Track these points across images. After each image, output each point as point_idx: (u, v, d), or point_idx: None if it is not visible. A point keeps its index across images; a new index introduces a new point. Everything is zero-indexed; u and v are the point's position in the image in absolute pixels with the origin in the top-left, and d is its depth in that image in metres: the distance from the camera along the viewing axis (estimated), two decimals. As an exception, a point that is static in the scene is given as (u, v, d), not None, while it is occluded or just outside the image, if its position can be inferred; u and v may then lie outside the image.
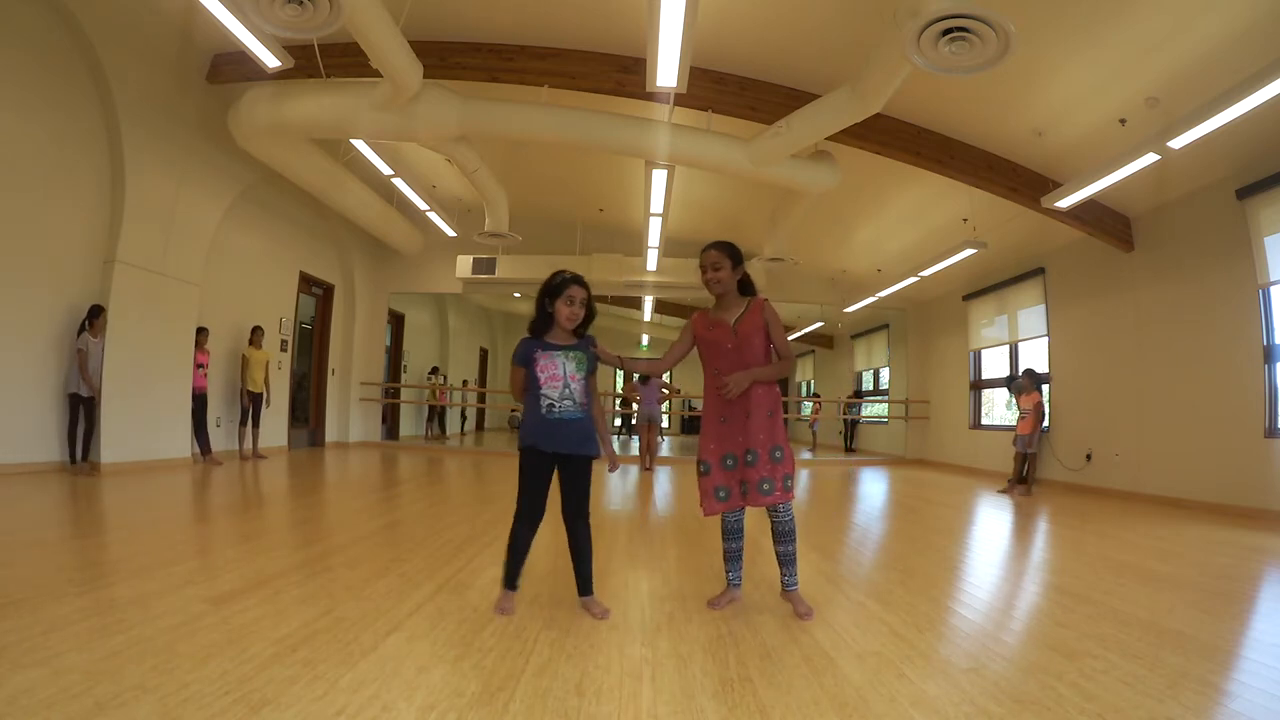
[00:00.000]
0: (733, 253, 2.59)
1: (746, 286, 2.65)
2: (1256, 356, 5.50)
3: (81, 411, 5.68)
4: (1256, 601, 2.99)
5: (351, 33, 4.43)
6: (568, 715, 1.62)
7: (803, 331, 16.09)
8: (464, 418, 16.36)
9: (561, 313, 2.43)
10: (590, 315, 2.51)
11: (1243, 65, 4.28)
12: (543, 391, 2.39)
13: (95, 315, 5.74)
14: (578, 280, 2.46)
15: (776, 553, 2.55)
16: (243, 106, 6.00)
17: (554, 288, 2.44)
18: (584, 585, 2.48)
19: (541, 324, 2.47)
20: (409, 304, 13.34)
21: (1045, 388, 7.38)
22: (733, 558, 2.62)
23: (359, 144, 7.11)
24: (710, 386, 2.60)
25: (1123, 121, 5.36)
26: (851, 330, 15.47)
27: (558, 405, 2.39)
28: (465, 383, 15.93)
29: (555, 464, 2.43)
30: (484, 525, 4.10)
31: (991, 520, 5.33)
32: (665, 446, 13.68)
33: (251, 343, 7.75)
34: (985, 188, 6.37)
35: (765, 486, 2.46)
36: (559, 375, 2.41)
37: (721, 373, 2.53)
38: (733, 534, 2.61)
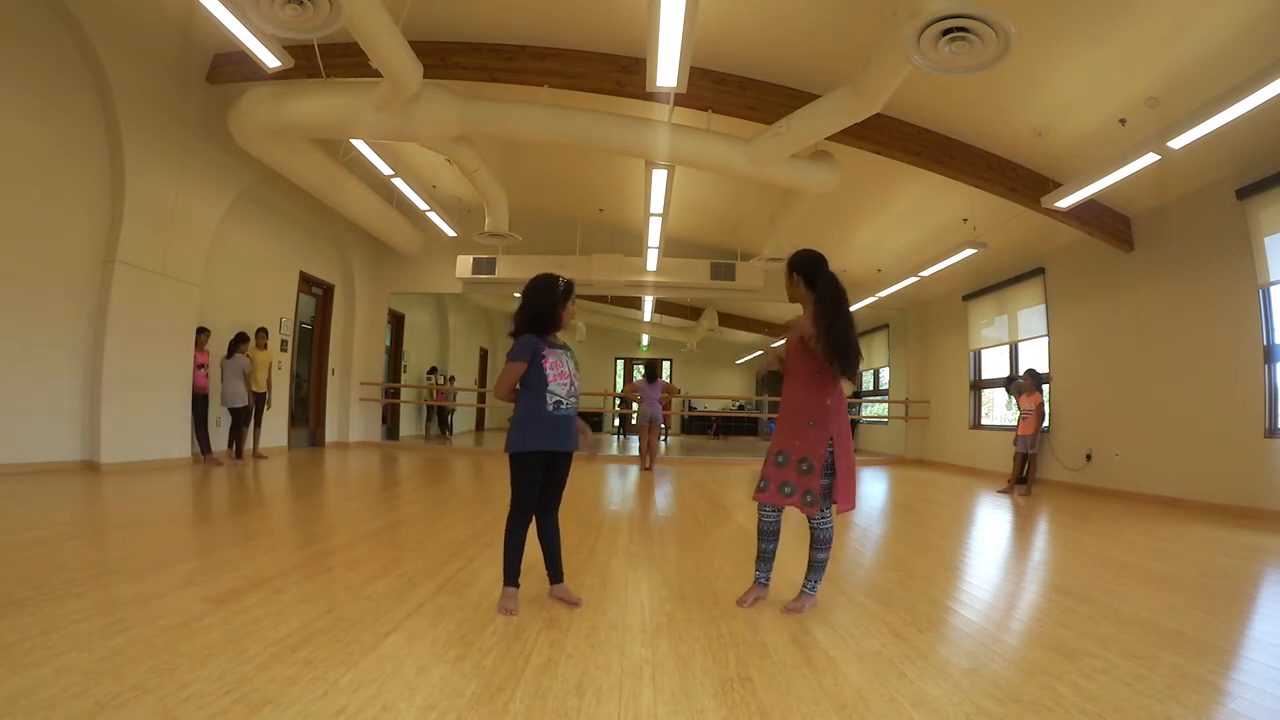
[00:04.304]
0: (794, 262, 2.61)
1: None
2: (1256, 356, 5.50)
3: (236, 415, 7.42)
4: (1256, 601, 2.99)
5: (351, 33, 4.43)
6: (568, 715, 1.62)
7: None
8: (448, 416, 15.60)
9: (568, 312, 2.53)
10: None
11: (1243, 65, 4.28)
12: (550, 388, 2.43)
13: (249, 339, 7.48)
14: (571, 283, 2.59)
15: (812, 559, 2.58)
16: (243, 106, 6.00)
17: (564, 291, 2.51)
18: (559, 573, 2.58)
19: (549, 323, 2.50)
20: (409, 304, 13.33)
21: (1045, 388, 7.39)
22: (766, 558, 2.64)
23: (359, 144, 7.10)
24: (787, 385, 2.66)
25: (1123, 121, 5.36)
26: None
27: (565, 402, 2.46)
28: (452, 379, 15.30)
29: (549, 461, 2.47)
30: (484, 525, 4.10)
31: (991, 520, 5.33)
32: (664, 445, 13.67)
33: (256, 344, 7.76)
34: (985, 188, 6.37)
35: (808, 499, 2.50)
36: (566, 373, 2.47)
37: (804, 384, 2.58)
38: (769, 535, 2.63)
